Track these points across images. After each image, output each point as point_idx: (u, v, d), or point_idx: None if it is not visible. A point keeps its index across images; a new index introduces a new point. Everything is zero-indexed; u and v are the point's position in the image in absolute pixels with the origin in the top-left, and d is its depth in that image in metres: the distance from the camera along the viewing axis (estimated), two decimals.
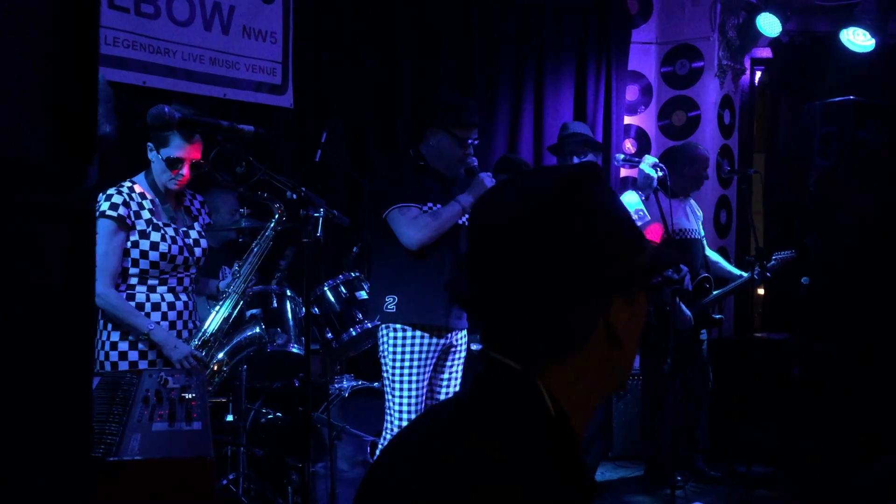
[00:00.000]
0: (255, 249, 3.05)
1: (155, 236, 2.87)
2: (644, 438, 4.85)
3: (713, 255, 4.90)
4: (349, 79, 4.70)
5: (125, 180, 2.92)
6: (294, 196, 2.64)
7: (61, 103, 0.88)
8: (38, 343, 0.89)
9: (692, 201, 4.82)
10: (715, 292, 4.63)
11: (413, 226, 3.14)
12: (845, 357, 5.03)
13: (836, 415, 4.93)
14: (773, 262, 4.70)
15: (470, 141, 3.28)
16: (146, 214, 2.88)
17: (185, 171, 2.88)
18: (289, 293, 3.94)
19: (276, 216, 2.98)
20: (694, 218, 4.74)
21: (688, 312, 4.44)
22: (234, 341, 3.06)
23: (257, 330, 3.15)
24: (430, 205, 3.23)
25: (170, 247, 2.89)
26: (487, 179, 3.23)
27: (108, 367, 2.87)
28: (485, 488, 0.91)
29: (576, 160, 4.13)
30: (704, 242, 4.81)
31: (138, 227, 2.85)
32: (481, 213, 1.06)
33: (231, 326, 3.08)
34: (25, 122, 0.87)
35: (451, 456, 0.96)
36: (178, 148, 2.84)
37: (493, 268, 1.02)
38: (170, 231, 2.92)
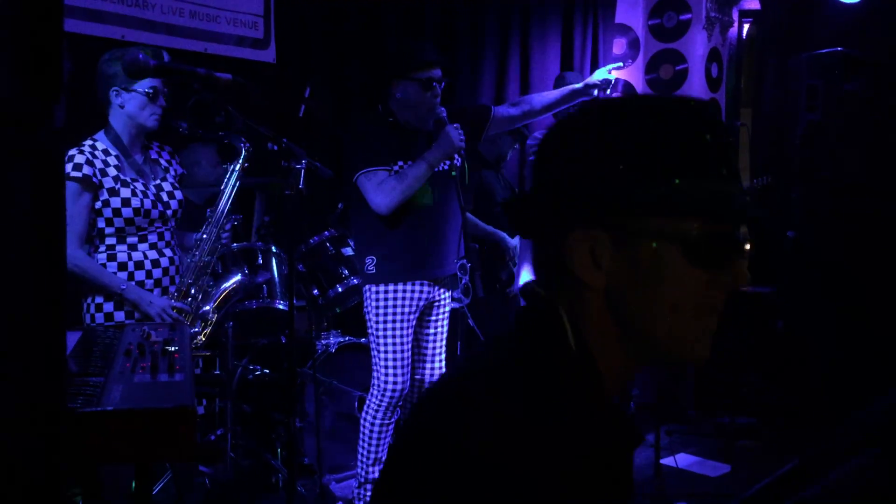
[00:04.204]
0: (225, 190, 2.97)
1: (125, 192, 2.81)
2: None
3: None
4: (332, 32, 4.63)
5: (86, 139, 2.84)
6: (275, 147, 2.61)
7: (24, 38, 0.85)
8: (3, 288, 0.87)
9: None
10: None
11: (379, 191, 3.10)
12: (829, 311, 5.07)
13: (818, 367, 4.99)
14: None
15: (435, 84, 3.16)
16: (112, 171, 2.81)
17: (163, 101, 2.83)
18: (274, 249, 3.92)
19: (243, 154, 2.88)
20: None
21: None
22: (220, 291, 3.03)
23: (239, 276, 3.13)
24: (400, 164, 3.17)
25: (142, 201, 2.83)
26: (454, 132, 3.12)
27: None
28: (471, 431, 0.83)
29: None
30: None
31: (106, 185, 2.78)
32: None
33: (214, 277, 3.06)
34: None
35: (457, 398, 0.89)
36: (150, 84, 2.79)
37: (531, 186, 0.98)
38: (139, 185, 2.85)
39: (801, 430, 4.60)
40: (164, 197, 2.93)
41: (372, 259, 3.23)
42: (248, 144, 2.85)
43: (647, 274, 0.90)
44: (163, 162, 3.03)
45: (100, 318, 2.83)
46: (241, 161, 2.91)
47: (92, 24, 3.83)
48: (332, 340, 3.90)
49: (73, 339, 2.17)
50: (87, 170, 2.74)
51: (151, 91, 2.79)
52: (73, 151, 2.76)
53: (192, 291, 2.91)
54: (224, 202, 2.94)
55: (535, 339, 0.92)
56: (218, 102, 2.51)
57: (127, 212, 2.81)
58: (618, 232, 0.89)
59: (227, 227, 2.98)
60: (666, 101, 0.94)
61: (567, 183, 0.91)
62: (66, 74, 0.95)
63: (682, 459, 4.25)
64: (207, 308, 2.96)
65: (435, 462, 0.84)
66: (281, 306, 3.78)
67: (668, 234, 0.88)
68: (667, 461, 4.14)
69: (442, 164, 3.24)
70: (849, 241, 5.08)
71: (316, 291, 3.88)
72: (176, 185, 3.02)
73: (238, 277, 3.12)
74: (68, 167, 2.71)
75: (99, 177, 2.78)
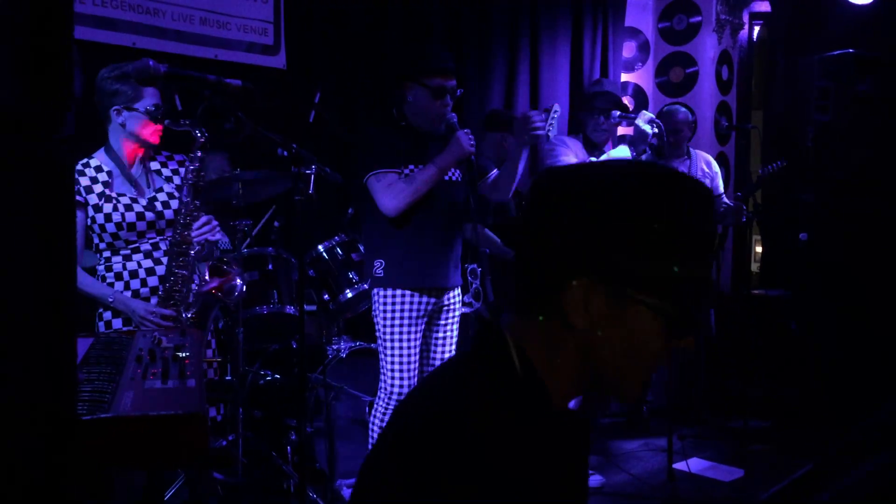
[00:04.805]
0: (178, 181, 2.90)
1: (107, 208, 2.81)
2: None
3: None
4: (342, 38, 4.64)
5: (87, 156, 2.85)
6: (285, 153, 2.60)
7: (32, 45, 0.85)
8: (10, 296, 0.87)
9: (697, 159, 4.84)
10: None
11: (388, 194, 3.10)
12: (841, 312, 5.04)
13: (832, 369, 4.95)
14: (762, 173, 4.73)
15: (447, 93, 3.15)
16: (98, 188, 2.82)
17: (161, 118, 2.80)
18: (284, 255, 3.93)
19: (200, 144, 2.71)
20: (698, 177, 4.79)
21: None
22: (198, 296, 2.94)
23: (206, 278, 3.01)
24: (410, 167, 3.17)
25: (123, 215, 2.83)
26: (464, 138, 3.12)
27: None
28: (440, 447, 0.94)
29: (601, 119, 4.10)
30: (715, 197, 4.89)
31: (91, 202, 2.80)
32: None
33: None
34: None
35: (423, 415, 1.00)
36: (152, 101, 2.78)
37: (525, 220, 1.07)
38: (124, 199, 2.85)
39: (816, 432, 4.56)
40: (158, 206, 2.92)
41: (380, 262, 3.22)
42: (204, 133, 2.67)
43: (629, 332, 1.02)
44: (166, 171, 3.02)
45: (101, 326, 2.86)
46: (194, 150, 2.73)
47: (103, 32, 3.86)
48: (342, 345, 3.90)
49: (84, 345, 2.17)
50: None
51: (153, 108, 2.79)
52: None
53: (176, 297, 2.86)
54: (185, 199, 2.80)
55: (486, 362, 1.04)
56: (227, 109, 2.50)
57: (110, 227, 2.83)
58: (616, 292, 1.00)
59: (199, 224, 2.86)
60: (682, 182, 1.02)
61: (580, 233, 0.99)
62: (77, 84, 0.95)
63: (695, 464, 4.23)
64: (188, 315, 2.88)
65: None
66: (291, 312, 3.79)
67: (657, 308, 1.00)
68: (679, 466, 4.11)
69: (455, 175, 3.24)
70: (861, 243, 5.04)
71: (326, 296, 3.88)
72: (176, 193, 2.98)
73: (213, 283, 3.02)
74: None
75: (84, 194, 2.79)
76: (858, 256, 5.03)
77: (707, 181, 4.83)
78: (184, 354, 2.02)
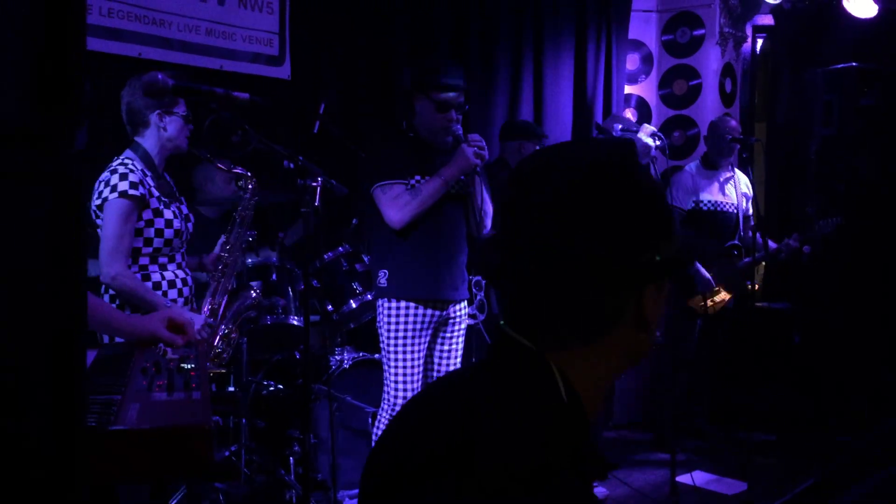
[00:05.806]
0: (238, 219, 3.04)
1: (168, 213, 2.80)
2: (653, 404, 5.00)
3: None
4: (346, 49, 4.65)
5: (117, 157, 2.82)
6: (291, 165, 2.61)
7: (44, 60, 0.85)
8: (20, 314, 0.87)
9: (738, 176, 4.81)
10: (746, 259, 4.68)
11: (393, 206, 3.12)
12: (845, 324, 5.03)
13: (835, 381, 4.95)
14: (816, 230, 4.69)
15: (453, 109, 3.16)
16: (155, 191, 2.80)
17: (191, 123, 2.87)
18: (288, 266, 3.94)
19: (251, 188, 3.01)
20: (735, 192, 4.75)
21: (706, 275, 4.51)
22: (234, 308, 3.06)
23: (253, 294, 3.17)
24: (417, 178, 3.19)
25: (181, 222, 2.85)
26: (468, 150, 3.13)
27: None
28: (489, 470, 0.88)
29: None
30: (747, 218, 4.83)
31: (152, 205, 2.77)
32: (519, 182, 1.01)
33: (230, 297, 3.08)
34: (4, 79, 0.84)
35: (457, 438, 0.93)
36: (184, 108, 2.82)
37: (528, 243, 0.97)
38: (174, 207, 2.87)
39: (820, 445, 4.55)
40: (184, 219, 2.95)
41: (384, 272, 3.23)
42: (254, 180, 2.98)
43: (662, 303, 1.03)
44: (172, 187, 3.05)
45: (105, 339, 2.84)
46: (250, 194, 3.07)
47: (109, 42, 3.87)
48: (346, 356, 3.90)
49: (89, 357, 2.18)
50: (142, 189, 2.72)
51: (188, 114, 2.82)
52: (121, 169, 2.73)
53: (219, 311, 2.92)
54: (240, 230, 3.03)
55: (528, 393, 0.97)
56: (235, 121, 2.52)
57: (168, 232, 2.81)
58: (662, 282, 1.01)
59: (244, 245, 3.02)
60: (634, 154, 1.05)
61: (627, 243, 0.96)
62: (86, 95, 0.96)
63: (699, 477, 4.21)
64: (229, 327, 2.98)
65: None
66: (295, 322, 3.79)
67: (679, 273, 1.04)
68: (683, 479, 4.10)
69: (465, 188, 3.25)
70: (864, 255, 5.04)
71: (330, 307, 3.88)
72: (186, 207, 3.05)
73: (252, 295, 3.15)
74: (124, 185, 2.69)
75: (147, 196, 2.77)
76: (862, 269, 5.03)
77: (744, 201, 4.81)
78: (189, 366, 2.02)
